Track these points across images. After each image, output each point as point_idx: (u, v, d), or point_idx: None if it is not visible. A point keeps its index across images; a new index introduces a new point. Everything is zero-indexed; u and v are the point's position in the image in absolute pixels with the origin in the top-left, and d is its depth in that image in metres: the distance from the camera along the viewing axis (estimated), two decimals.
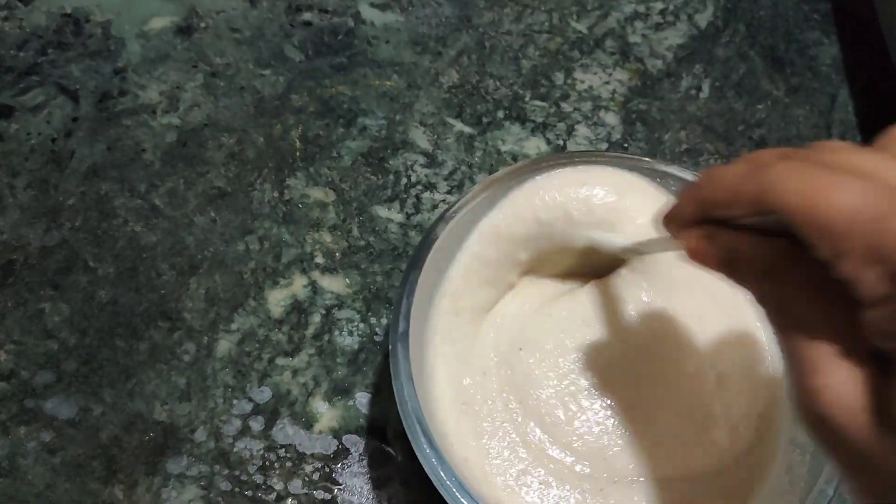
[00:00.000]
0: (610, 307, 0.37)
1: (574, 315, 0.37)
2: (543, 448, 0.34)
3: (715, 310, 0.36)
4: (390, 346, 0.32)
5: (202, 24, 0.53)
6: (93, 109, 0.49)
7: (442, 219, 0.35)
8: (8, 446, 0.38)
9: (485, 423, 0.34)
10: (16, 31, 0.52)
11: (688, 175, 0.38)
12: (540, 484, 0.33)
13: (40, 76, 0.50)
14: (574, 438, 0.34)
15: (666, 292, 0.36)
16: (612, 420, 0.34)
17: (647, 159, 0.38)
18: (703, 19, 0.58)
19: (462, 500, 0.28)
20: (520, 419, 0.34)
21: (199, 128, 0.49)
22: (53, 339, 0.41)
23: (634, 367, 0.36)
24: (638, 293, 0.36)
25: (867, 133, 0.53)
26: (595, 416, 0.34)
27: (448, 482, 0.29)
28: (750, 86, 0.55)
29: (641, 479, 0.33)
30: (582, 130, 0.51)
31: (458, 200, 0.36)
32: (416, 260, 0.34)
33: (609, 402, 0.35)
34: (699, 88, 0.54)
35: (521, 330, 0.36)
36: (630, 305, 0.36)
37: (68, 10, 0.53)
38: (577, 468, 0.33)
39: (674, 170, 0.38)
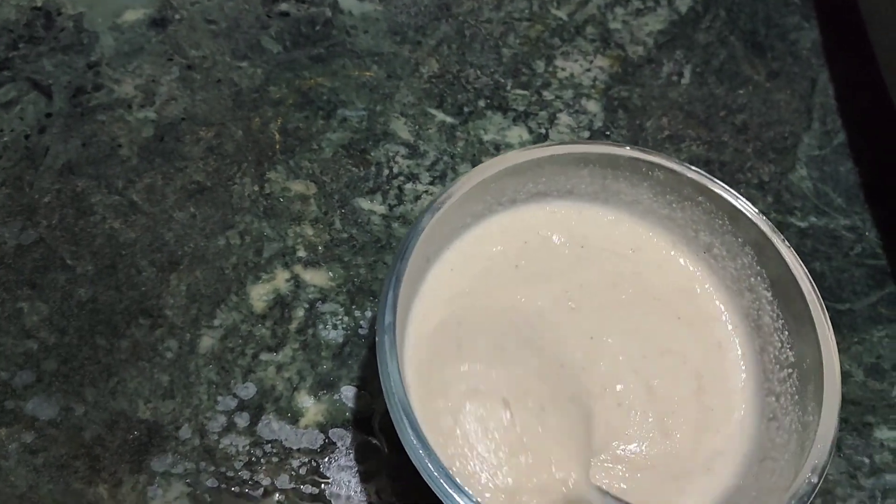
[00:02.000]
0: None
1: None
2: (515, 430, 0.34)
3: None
4: (377, 338, 0.32)
5: (176, 16, 0.52)
6: (66, 105, 0.48)
7: (429, 209, 0.35)
8: None
9: (462, 413, 0.34)
10: None
11: (676, 166, 0.38)
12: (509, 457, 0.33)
13: (12, 71, 0.49)
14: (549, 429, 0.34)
15: None
16: (587, 412, 0.35)
17: (635, 148, 0.38)
18: (683, 4, 0.58)
19: (450, 490, 0.28)
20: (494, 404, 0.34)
21: (177, 122, 0.48)
22: (32, 338, 0.41)
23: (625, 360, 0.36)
24: None
25: (847, 117, 0.54)
26: (566, 410, 0.35)
27: (435, 473, 0.29)
28: (731, 71, 0.55)
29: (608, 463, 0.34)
30: (564, 119, 0.51)
31: (446, 190, 0.36)
32: (403, 251, 0.33)
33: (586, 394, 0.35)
34: (680, 74, 0.54)
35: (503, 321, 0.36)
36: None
37: (38, 4, 0.52)
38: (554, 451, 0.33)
39: (662, 160, 0.38)
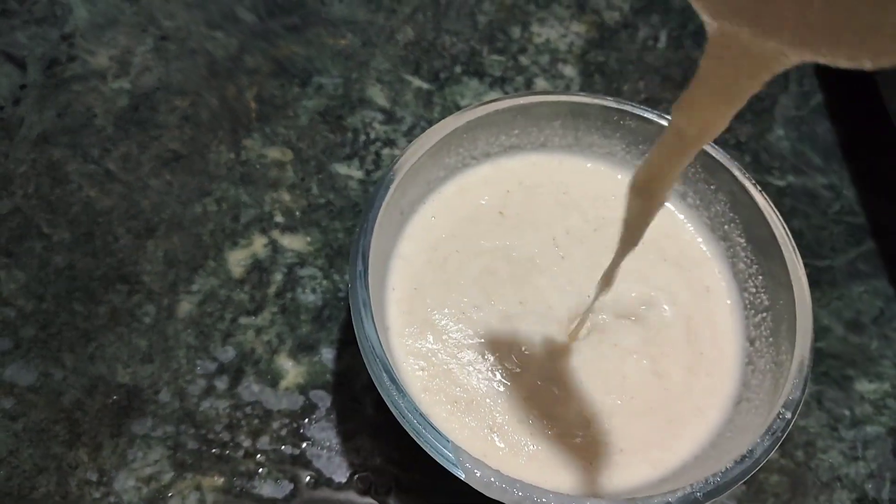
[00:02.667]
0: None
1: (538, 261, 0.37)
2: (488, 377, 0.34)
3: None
4: (349, 286, 0.32)
5: None
6: (41, 76, 0.48)
7: (399, 161, 0.35)
8: None
9: (436, 358, 0.34)
10: None
11: (647, 114, 0.38)
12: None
13: None
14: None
15: None
16: (562, 361, 0.35)
17: (607, 98, 0.38)
18: None
19: (422, 429, 0.28)
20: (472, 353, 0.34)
21: (151, 92, 0.48)
22: (10, 306, 0.40)
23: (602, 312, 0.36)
24: None
25: (824, 78, 0.54)
26: (542, 355, 0.35)
27: (409, 413, 0.29)
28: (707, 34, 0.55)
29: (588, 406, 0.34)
30: (541, 83, 0.51)
31: (412, 144, 0.36)
32: (372, 201, 0.33)
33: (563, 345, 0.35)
34: (656, 38, 0.54)
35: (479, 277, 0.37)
36: None
37: None
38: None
39: (630, 108, 0.38)
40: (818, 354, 0.44)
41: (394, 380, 0.29)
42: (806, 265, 0.46)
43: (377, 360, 0.30)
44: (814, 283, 0.46)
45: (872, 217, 0.48)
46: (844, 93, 0.53)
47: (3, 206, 0.43)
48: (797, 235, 0.47)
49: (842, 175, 0.50)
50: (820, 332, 0.44)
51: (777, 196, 0.48)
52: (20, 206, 0.43)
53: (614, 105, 0.37)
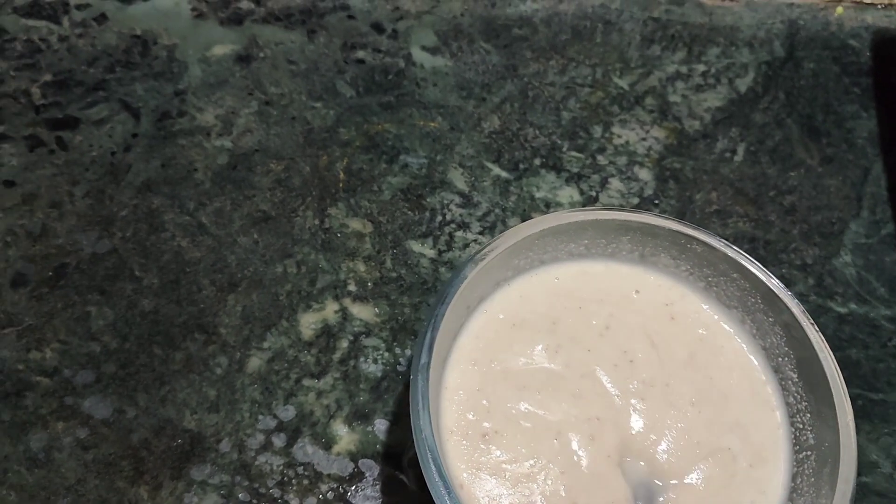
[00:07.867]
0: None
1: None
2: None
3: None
4: (411, 377, 0.34)
5: (261, 55, 0.56)
6: (152, 127, 0.52)
7: (473, 258, 0.37)
8: (46, 439, 0.41)
9: (482, 458, 0.36)
10: (88, 49, 0.55)
11: (715, 242, 0.39)
12: None
13: (106, 92, 0.53)
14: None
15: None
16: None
17: (676, 221, 0.39)
18: (743, 84, 0.59)
19: None
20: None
21: (250, 153, 0.51)
22: (96, 341, 0.44)
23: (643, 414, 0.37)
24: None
25: None
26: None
27: None
28: (784, 153, 0.56)
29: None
30: (615, 184, 0.53)
31: (491, 242, 0.38)
32: (444, 296, 0.35)
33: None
34: (734, 151, 0.56)
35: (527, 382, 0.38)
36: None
37: (138, 32, 0.56)
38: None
39: (700, 234, 0.39)
40: (863, 490, 0.44)
41: (442, 475, 0.31)
42: (859, 397, 0.47)
43: (428, 451, 0.32)
44: (865, 415, 0.46)
45: None
46: None
47: (102, 245, 0.47)
48: (854, 365, 0.48)
49: None
50: (867, 467, 0.44)
51: (837, 323, 0.49)
52: (117, 248, 0.47)
53: (683, 230, 0.39)
